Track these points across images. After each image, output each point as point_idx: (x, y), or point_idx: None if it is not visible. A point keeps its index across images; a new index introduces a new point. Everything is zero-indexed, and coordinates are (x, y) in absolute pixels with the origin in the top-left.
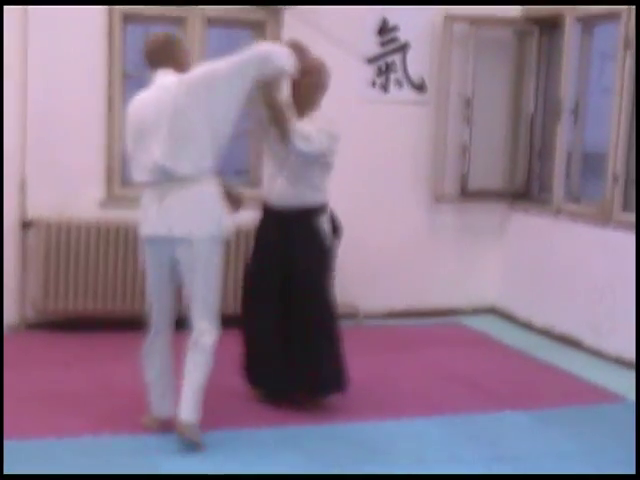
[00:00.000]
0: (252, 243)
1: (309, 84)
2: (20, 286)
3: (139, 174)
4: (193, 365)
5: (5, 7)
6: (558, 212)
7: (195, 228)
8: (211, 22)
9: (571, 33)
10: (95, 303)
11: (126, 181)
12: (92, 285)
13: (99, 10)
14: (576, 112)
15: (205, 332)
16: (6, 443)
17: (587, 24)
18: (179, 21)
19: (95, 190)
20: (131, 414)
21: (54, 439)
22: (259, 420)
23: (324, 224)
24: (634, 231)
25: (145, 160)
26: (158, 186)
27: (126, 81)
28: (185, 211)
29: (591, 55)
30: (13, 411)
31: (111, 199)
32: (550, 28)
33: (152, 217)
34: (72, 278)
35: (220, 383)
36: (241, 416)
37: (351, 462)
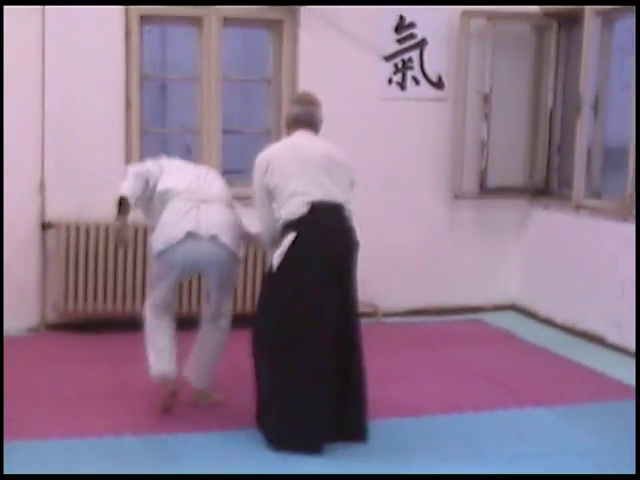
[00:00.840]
0: None
1: None
2: (40, 287)
3: None
4: (214, 344)
5: (23, 8)
6: (578, 208)
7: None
8: (228, 22)
9: (590, 27)
10: (114, 304)
11: None
12: (111, 286)
13: (116, 11)
14: (596, 107)
15: (224, 316)
16: (26, 443)
17: (607, 18)
18: (196, 21)
19: (114, 192)
20: (151, 414)
21: (75, 439)
22: None
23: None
24: None
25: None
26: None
27: (144, 82)
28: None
29: (611, 49)
30: (33, 411)
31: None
32: (569, 22)
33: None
34: (91, 279)
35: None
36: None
37: (372, 460)
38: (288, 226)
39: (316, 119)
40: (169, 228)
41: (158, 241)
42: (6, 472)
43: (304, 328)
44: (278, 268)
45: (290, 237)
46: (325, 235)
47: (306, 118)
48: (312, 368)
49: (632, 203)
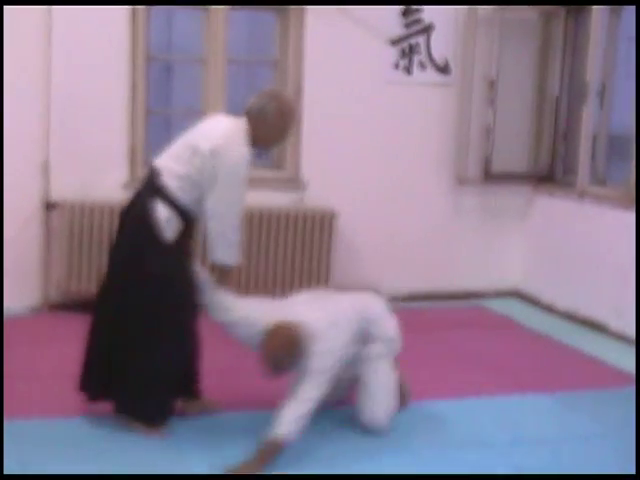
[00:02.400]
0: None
1: None
2: (44, 267)
3: None
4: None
5: None
6: (583, 195)
7: None
8: (235, 5)
9: (598, 15)
10: None
11: (149, 163)
12: None
13: None
14: (602, 94)
15: None
16: (27, 421)
17: (614, 6)
18: (203, 4)
19: (118, 172)
20: None
21: (77, 418)
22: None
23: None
24: None
25: None
26: None
27: (149, 63)
28: None
29: (618, 37)
30: (36, 390)
31: (134, 181)
32: (576, 10)
33: None
34: (95, 259)
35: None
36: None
37: (371, 445)
38: None
39: (252, 111)
40: None
41: None
42: (7, 451)
43: None
44: None
45: None
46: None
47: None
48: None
49: (636, 191)
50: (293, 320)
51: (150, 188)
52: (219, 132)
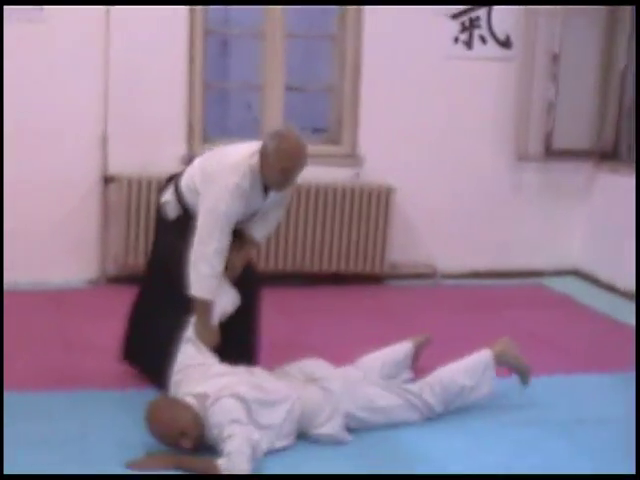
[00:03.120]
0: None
1: None
2: (101, 241)
3: None
4: None
5: None
6: (636, 172)
7: None
8: None
9: None
10: None
11: (207, 137)
12: None
13: None
14: None
15: None
16: (86, 392)
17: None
18: None
19: (176, 146)
20: None
21: (133, 390)
22: None
23: None
24: None
25: None
26: None
27: (207, 37)
28: None
29: None
30: (93, 362)
31: (192, 155)
32: None
33: None
34: (152, 233)
35: None
36: None
37: (429, 425)
38: None
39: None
40: None
41: None
42: (71, 420)
43: None
44: None
45: None
46: None
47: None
48: None
49: None
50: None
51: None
52: (224, 159)
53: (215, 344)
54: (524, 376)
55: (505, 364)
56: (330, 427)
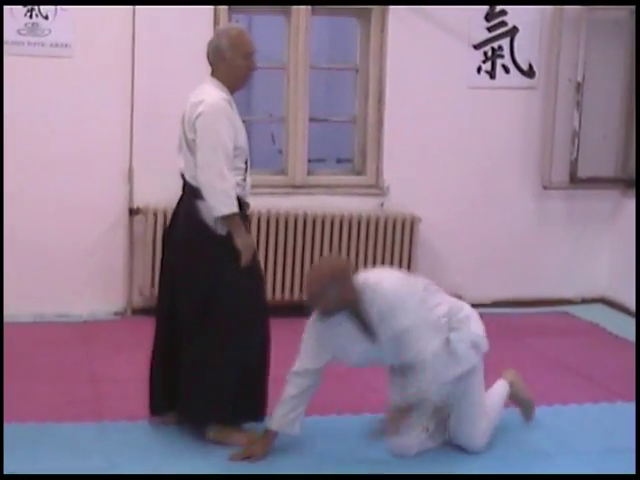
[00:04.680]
0: None
1: None
2: (127, 272)
3: None
4: None
5: None
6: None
7: None
8: (316, 11)
9: None
10: None
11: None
12: None
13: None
14: None
15: None
16: (113, 424)
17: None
18: (284, 10)
19: None
20: None
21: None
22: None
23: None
24: None
25: None
26: None
27: None
28: None
29: None
30: (121, 393)
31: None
32: None
33: None
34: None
35: None
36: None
37: (455, 454)
38: None
39: (209, 57)
40: None
41: None
42: (95, 452)
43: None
44: None
45: None
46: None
47: (207, 57)
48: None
49: None
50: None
51: (188, 191)
52: (192, 102)
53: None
54: (529, 410)
55: (514, 397)
56: None
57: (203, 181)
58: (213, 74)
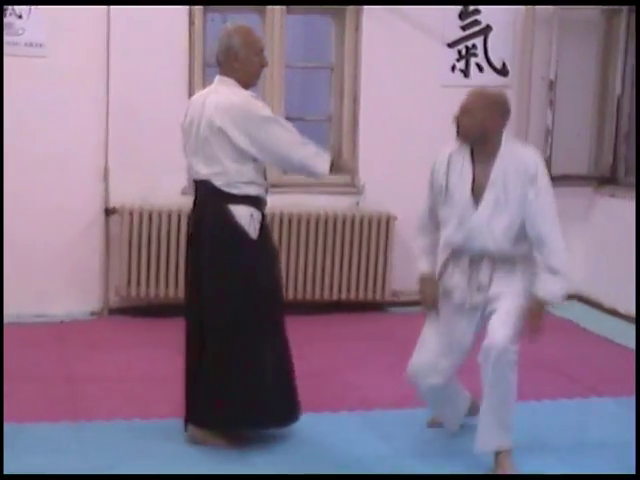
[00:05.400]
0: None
1: None
2: (103, 272)
3: None
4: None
5: None
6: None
7: None
8: (291, 10)
9: None
10: (176, 289)
11: None
12: (173, 271)
13: None
14: None
15: None
16: (89, 424)
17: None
18: (259, 10)
19: (177, 178)
20: None
21: (139, 421)
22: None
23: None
24: None
25: None
26: None
27: (207, 69)
28: None
29: None
30: (96, 393)
31: (193, 187)
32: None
33: None
34: (154, 264)
35: None
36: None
37: (431, 447)
38: None
39: (219, 57)
40: None
41: None
42: (70, 452)
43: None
44: None
45: None
46: (193, 212)
47: (217, 58)
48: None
49: None
50: None
51: (216, 197)
52: (219, 104)
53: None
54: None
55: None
56: None
57: (299, 159)
58: (225, 73)
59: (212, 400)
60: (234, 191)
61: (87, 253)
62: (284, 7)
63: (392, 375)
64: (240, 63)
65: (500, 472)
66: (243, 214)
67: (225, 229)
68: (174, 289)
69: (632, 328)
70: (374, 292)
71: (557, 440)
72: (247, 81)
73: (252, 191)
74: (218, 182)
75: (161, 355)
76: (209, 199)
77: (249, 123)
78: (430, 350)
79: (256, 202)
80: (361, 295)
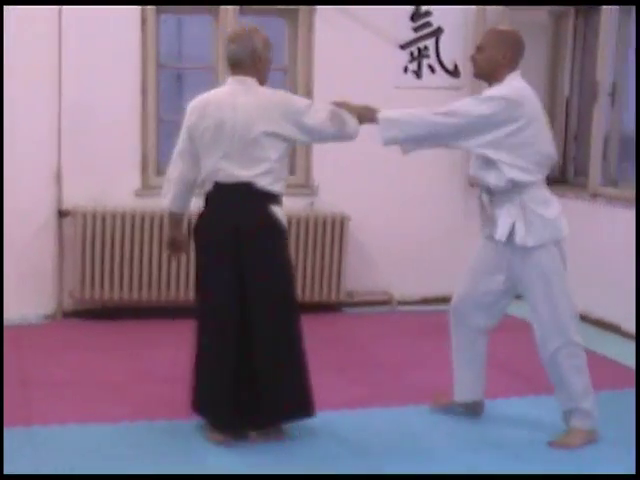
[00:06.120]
0: None
1: None
2: (57, 275)
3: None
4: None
5: None
6: (595, 196)
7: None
8: (244, 11)
9: (608, 15)
10: (131, 291)
11: (161, 170)
12: (128, 274)
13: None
14: (613, 94)
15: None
16: (43, 429)
17: (625, 6)
18: (212, 11)
19: (130, 179)
20: (167, 401)
21: (92, 425)
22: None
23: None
24: None
25: None
26: None
27: (160, 71)
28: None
29: (630, 36)
30: (51, 397)
31: (146, 188)
32: (586, 9)
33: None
34: (108, 267)
35: None
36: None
37: (384, 446)
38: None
39: (242, 58)
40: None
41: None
42: (24, 457)
43: (207, 306)
44: (194, 241)
45: (199, 210)
46: (223, 215)
47: (233, 60)
48: (214, 348)
49: None
50: None
51: (258, 198)
52: (261, 105)
53: None
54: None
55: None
56: None
57: (330, 133)
58: (245, 74)
59: (276, 398)
60: (276, 189)
61: (40, 256)
62: (237, 8)
63: (345, 376)
64: (262, 64)
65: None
66: (280, 212)
67: (272, 230)
68: (128, 292)
69: (582, 326)
70: (329, 293)
71: (509, 437)
72: (264, 80)
73: (283, 189)
74: (263, 182)
75: (115, 358)
76: (248, 201)
77: (297, 115)
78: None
79: (281, 199)
80: (316, 296)
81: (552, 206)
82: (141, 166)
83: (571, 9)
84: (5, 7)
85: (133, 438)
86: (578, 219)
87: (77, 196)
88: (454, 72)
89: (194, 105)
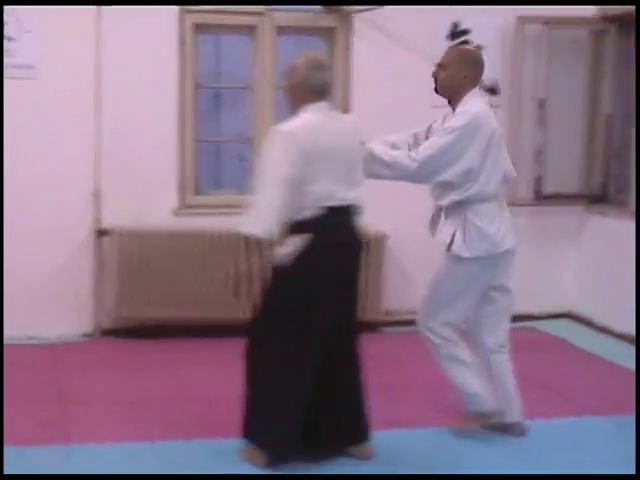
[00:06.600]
0: None
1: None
2: (95, 293)
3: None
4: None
5: (78, 14)
6: (636, 214)
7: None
8: (281, 30)
9: None
10: (168, 310)
11: (199, 189)
12: (165, 293)
13: (171, 20)
14: None
15: None
16: (81, 446)
17: None
18: (249, 30)
19: (168, 199)
20: (205, 419)
21: (130, 443)
22: None
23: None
24: None
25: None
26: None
27: (198, 90)
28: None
29: None
30: (90, 416)
31: (184, 207)
32: (627, 26)
33: (506, 230)
34: (146, 286)
35: None
36: None
37: (428, 467)
38: (296, 225)
39: (331, 85)
40: (500, 234)
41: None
42: (61, 474)
43: (297, 338)
44: (291, 268)
45: (304, 237)
46: (337, 238)
47: (324, 87)
48: (295, 380)
49: None
50: None
51: (356, 220)
52: (355, 129)
53: None
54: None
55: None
56: None
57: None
58: (327, 101)
59: (361, 417)
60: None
61: (79, 274)
62: (274, 27)
63: (386, 395)
64: None
65: None
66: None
67: (362, 250)
68: (165, 310)
69: (625, 346)
70: (367, 312)
71: (551, 459)
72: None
73: None
74: (359, 203)
75: (153, 376)
76: (353, 223)
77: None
78: None
79: None
80: None
81: (495, 222)
82: (179, 185)
83: (612, 26)
84: (43, 28)
85: (170, 457)
86: (619, 237)
87: (116, 215)
88: (493, 90)
89: (295, 132)
